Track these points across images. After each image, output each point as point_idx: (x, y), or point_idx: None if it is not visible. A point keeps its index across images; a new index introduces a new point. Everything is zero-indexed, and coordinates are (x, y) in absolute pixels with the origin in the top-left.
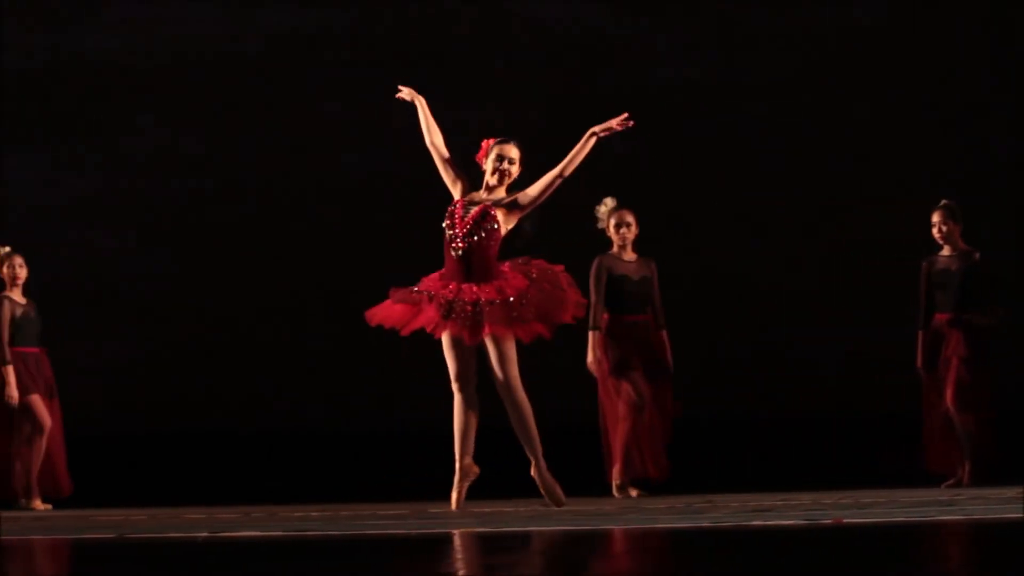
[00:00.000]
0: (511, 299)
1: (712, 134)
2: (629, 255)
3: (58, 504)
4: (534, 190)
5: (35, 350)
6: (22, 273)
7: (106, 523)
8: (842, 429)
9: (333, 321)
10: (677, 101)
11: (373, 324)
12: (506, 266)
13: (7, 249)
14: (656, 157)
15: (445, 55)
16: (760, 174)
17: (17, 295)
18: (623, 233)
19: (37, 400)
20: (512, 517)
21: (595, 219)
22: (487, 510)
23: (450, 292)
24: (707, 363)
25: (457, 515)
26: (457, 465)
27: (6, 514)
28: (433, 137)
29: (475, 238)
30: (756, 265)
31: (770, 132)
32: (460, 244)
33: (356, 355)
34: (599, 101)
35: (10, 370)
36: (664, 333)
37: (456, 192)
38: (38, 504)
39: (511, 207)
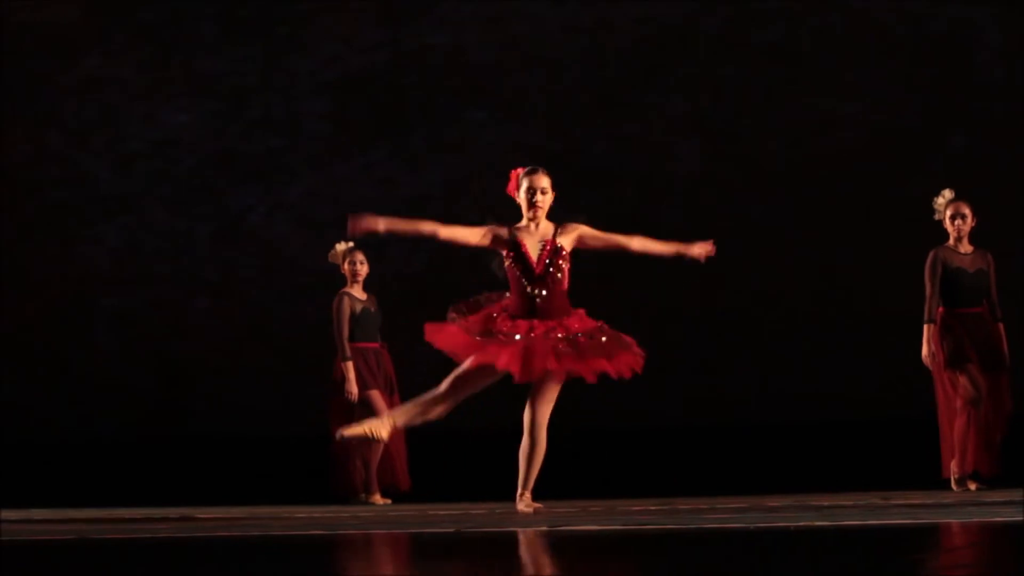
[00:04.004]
0: (598, 332)
1: None
2: (965, 247)
3: (397, 499)
4: (601, 241)
5: (375, 345)
6: (363, 270)
7: (445, 518)
8: None
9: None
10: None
11: (437, 344)
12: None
13: (350, 245)
14: (995, 149)
15: (807, 50)
16: None
17: (357, 291)
18: (958, 225)
19: (376, 395)
20: (850, 511)
21: (932, 211)
22: (825, 503)
23: (535, 331)
24: None
25: (794, 506)
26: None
27: (340, 509)
28: (441, 232)
29: (554, 280)
30: None
31: None
32: (539, 286)
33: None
34: (966, 95)
35: (350, 366)
36: (1001, 326)
37: (502, 234)
38: (377, 499)
39: (575, 243)
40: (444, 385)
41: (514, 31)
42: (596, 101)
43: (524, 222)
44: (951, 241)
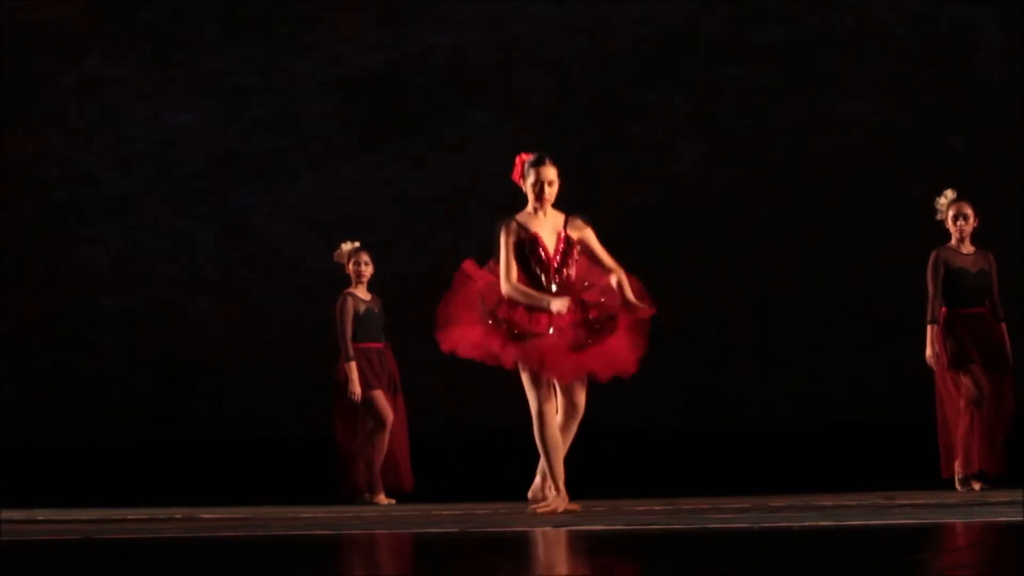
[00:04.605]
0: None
1: None
2: (967, 247)
3: (401, 499)
4: (592, 254)
5: (378, 346)
6: (367, 271)
7: (448, 518)
8: None
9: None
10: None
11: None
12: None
13: (355, 245)
14: (996, 150)
15: (809, 48)
16: None
17: (361, 292)
18: (960, 225)
19: (379, 395)
20: (854, 511)
21: (934, 211)
22: (828, 503)
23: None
24: None
25: (800, 506)
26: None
27: (345, 509)
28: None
29: (566, 269)
30: None
31: None
32: (556, 278)
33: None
34: (964, 95)
35: (353, 366)
36: (1003, 326)
37: (520, 233)
38: (381, 499)
39: (581, 243)
40: (531, 400)
41: (515, 31)
42: (597, 101)
43: (531, 210)
44: (953, 241)
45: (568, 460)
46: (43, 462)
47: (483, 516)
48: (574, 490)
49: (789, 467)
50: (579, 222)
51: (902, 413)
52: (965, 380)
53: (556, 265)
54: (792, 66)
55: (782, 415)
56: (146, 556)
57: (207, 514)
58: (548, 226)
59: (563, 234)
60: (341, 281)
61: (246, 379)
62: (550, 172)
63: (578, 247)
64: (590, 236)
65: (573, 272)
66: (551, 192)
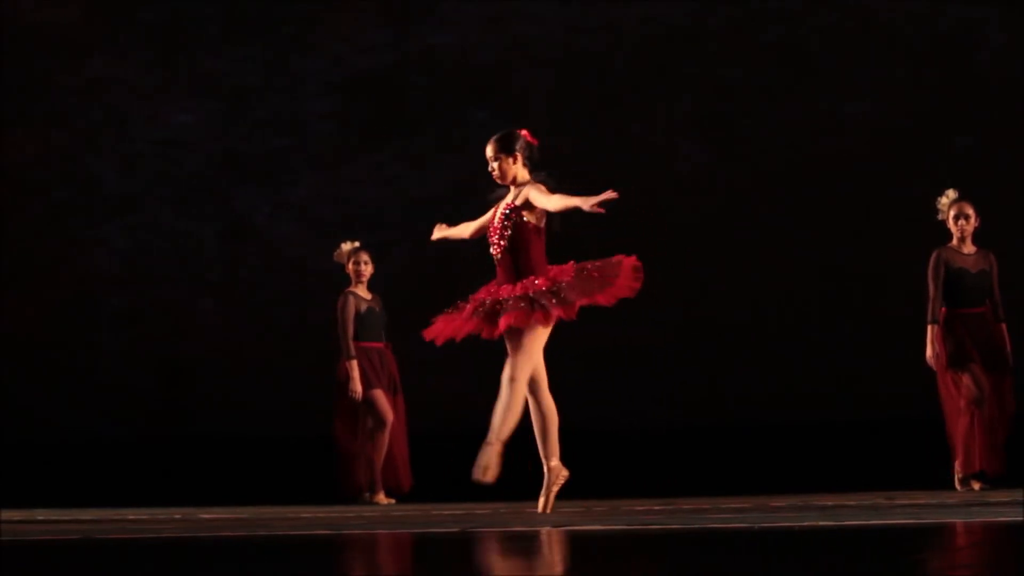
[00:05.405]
0: (538, 290)
1: None
2: (968, 248)
3: (401, 499)
4: (543, 202)
5: (379, 345)
6: (367, 270)
7: (449, 518)
8: None
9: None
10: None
11: (438, 342)
12: (569, 264)
13: (356, 244)
14: (997, 150)
15: (806, 49)
16: None
17: (362, 291)
18: (961, 225)
19: (380, 395)
20: (854, 511)
21: (935, 211)
22: (828, 503)
23: (490, 295)
24: None
25: (790, 507)
26: (545, 468)
27: (343, 509)
28: (467, 233)
29: (505, 240)
30: None
31: None
32: (496, 249)
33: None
34: (963, 93)
35: (354, 365)
36: (1003, 326)
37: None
38: (382, 499)
39: (528, 206)
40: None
41: (518, 31)
42: (597, 101)
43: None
44: (954, 242)
45: (568, 459)
46: (43, 462)
47: (483, 516)
48: (574, 491)
49: (789, 467)
50: (526, 188)
51: (902, 413)
52: (965, 380)
53: (493, 236)
54: (792, 66)
55: (782, 415)
56: (146, 556)
57: (207, 514)
58: (506, 200)
59: (507, 206)
60: (341, 281)
61: (246, 379)
62: (487, 150)
63: (519, 215)
64: (532, 195)
65: (515, 242)
66: (494, 168)
